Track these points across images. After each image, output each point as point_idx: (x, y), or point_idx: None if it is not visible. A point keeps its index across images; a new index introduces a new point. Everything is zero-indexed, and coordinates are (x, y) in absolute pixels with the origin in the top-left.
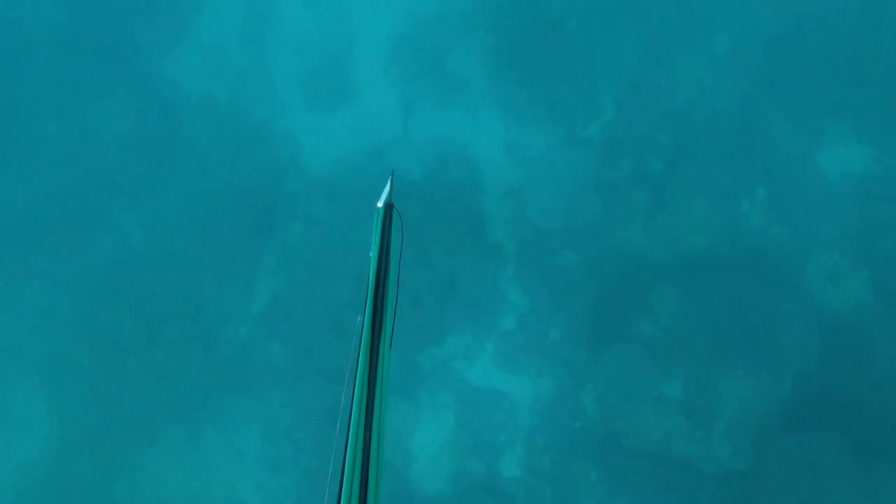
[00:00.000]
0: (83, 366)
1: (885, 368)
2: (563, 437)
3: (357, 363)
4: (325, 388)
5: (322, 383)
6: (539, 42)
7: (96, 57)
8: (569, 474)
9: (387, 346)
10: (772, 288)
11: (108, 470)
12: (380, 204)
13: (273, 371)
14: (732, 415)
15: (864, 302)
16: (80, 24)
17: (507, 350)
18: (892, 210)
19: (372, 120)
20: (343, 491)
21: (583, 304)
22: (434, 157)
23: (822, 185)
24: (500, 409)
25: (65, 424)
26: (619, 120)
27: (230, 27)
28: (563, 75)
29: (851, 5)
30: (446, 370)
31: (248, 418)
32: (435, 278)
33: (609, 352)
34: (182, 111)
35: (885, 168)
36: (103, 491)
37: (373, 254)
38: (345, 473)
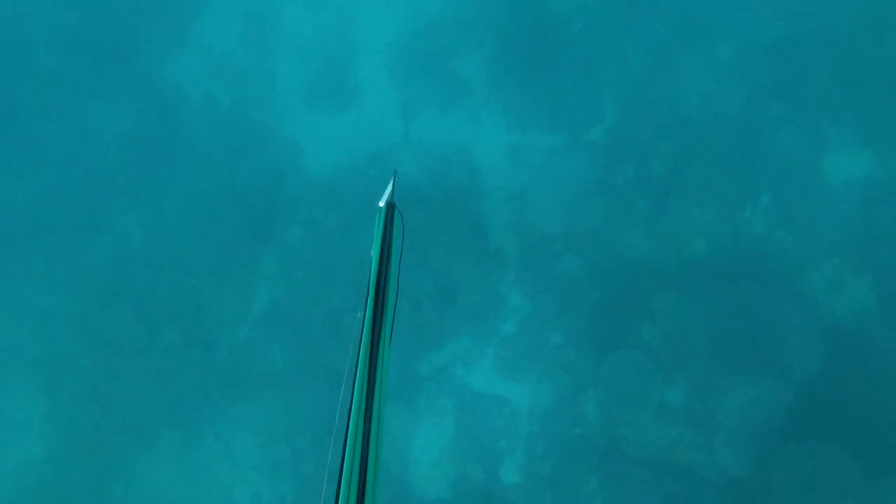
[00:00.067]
0: (81, 367)
1: (890, 376)
2: (564, 443)
3: (357, 358)
4: (324, 393)
5: (321, 388)
6: (541, 45)
7: (96, 57)
8: (569, 481)
9: (387, 341)
10: (775, 294)
11: (104, 472)
12: (381, 204)
13: (271, 375)
14: (735, 422)
15: (868, 308)
16: (81, 24)
17: (508, 355)
18: None
19: (373, 123)
20: (340, 494)
21: (584, 310)
22: (435, 160)
23: (826, 191)
24: (501, 415)
25: (62, 426)
26: (621, 124)
27: (231, 28)
28: (566, 79)
29: (855, 10)
30: (446, 375)
31: (246, 423)
32: (435, 282)
33: (610, 358)
34: (182, 112)
35: (890, 173)
36: (99, 493)
37: (374, 252)
38: (343, 473)
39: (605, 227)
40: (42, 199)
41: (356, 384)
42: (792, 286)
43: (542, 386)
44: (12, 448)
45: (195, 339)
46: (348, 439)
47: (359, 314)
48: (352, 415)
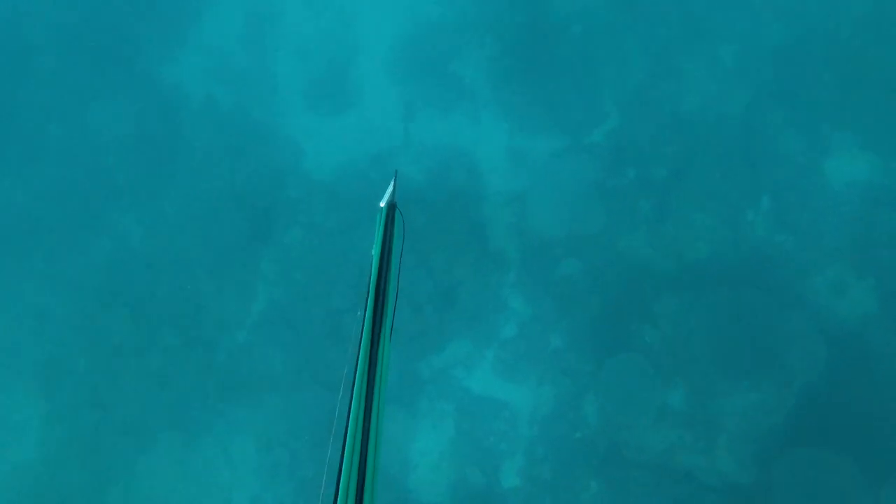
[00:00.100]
0: (79, 368)
1: (893, 381)
2: (564, 447)
3: (357, 356)
4: (324, 396)
5: (320, 390)
6: (542, 48)
7: (96, 57)
8: (569, 485)
9: (387, 339)
10: (777, 298)
11: (102, 474)
12: (382, 204)
13: (271, 377)
14: (736, 427)
15: (871, 312)
16: (81, 24)
17: (508, 358)
18: None
19: (374, 125)
20: (339, 497)
21: (585, 313)
22: (436, 162)
23: (828, 194)
24: (501, 418)
25: (60, 427)
26: (623, 127)
27: (232, 29)
28: (567, 81)
29: (857, 15)
30: (446, 378)
31: (245, 425)
32: (435, 285)
33: (611, 361)
34: (183, 113)
35: (892, 176)
36: (98, 495)
37: (374, 252)
38: (342, 471)
39: (606, 231)
40: (41, 199)
41: (356, 381)
42: (794, 290)
43: (543, 389)
44: (10, 449)
45: (194, 340)
46: (347, 437)
47: (359, 313)
48: (352, 411)
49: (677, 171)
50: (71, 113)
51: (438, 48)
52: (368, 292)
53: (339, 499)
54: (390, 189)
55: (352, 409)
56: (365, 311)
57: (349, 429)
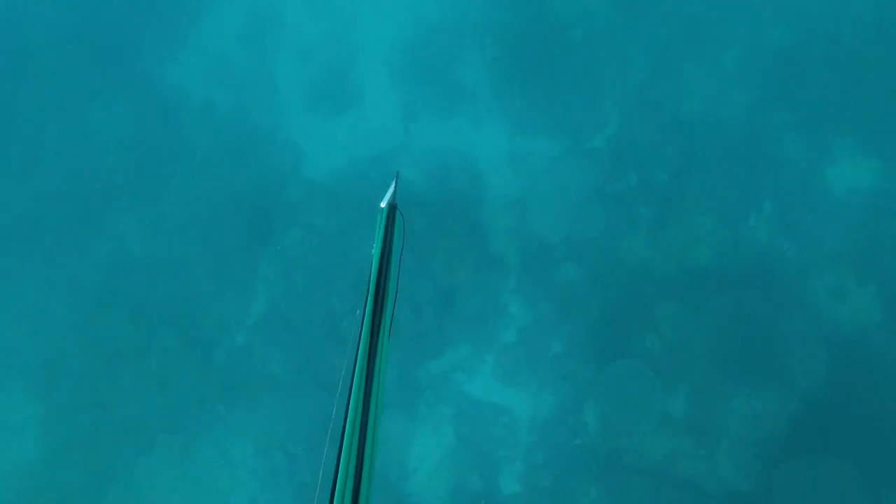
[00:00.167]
0: (78, 370)
1: (895, 387)
2: (564, 453)
3: (357, 353)
4: (323, 398)
5: (319, 393)
6: (543, 51)
7: (96, 58)
8: (569, 491)
9: (386, 337)
10: (778, 303)
11: (100, 477)
12: (383, 204)
13: (270, 380)
14: (737, 434)
15: (873, 318)
16: (81, 24)
17: (508, 363)
18: None
19: (374, 127)
20: (335, 496)
21: (585, 318)
22: (437, 166)
23: (830, 199)
24: (500, 424)
25: (58, 429)
26: (624, 131)
27: (232, 31)
28: (569, 85)
29: (859, 19)
30: (445, 383)
31: (244, 428)
32: (435, 289)
33: (612, 367)
34: (182, 114)
35: (894, 182)
36: (95, 498)
37: (375, 251)
38: (339, 469)
39: (606, 235)
40: (40, 200)
41: (354, 379)
42: (796, 295)
43: (543, 395)
44: (8, 451)
45: (193, 342)
46: (345, 433)
47: (358, 311)
48: (350, 410)
49: (678, 175)
50: (70, 114)
51: (439, 51)
52: (368, 291)
53: (335, 500)
54: (391, 190)
55: (350, 407)
56: (364, 309)
57: (347, 425)
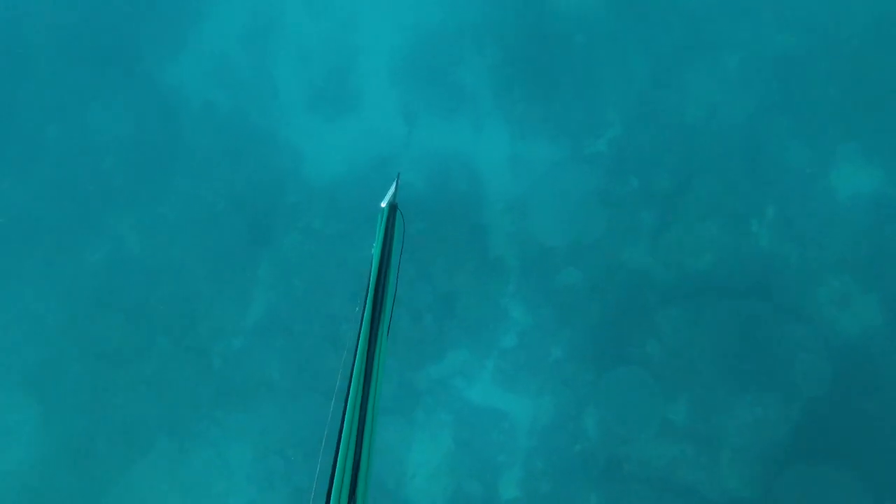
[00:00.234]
0: (74, 373)
1: None
2: (564, 459)
3: (356, 351)
4: (320, 404)
5: (317, 398)
6: (545, 55)
7: (96, 59)
8: (568, 497)
9: (384, 335)
10: (781, 310)
11: (96, 481)
12: (383, 204)
13: (267, 384)
14: (739, 442)
15: (876, 325)
16: (81, 24)
17: (508, 368)
18: None
19: (375, 131)
20: (332, 497)
21: (586, 324)
22: (437, 169)
23: (833, 206)
24: (499, 429)
25: (54, 433)
26: (626, 136)
27: (232, 32)
28: (570, 90)
29: (862, 24)
30: (445, 388)
31: (241, 432)
32: (435, 293)
33: (612, 373)
34: (182, 116)
35: None
36: (90, 502)
37: (375, 250)
38: (335, 474)
39: (607, 240)
40: (38, 201)
41: (352, 377)
42: (798, 302)
43: (542, 400)
44: (3, 453)
45: (191, 345)
46: (343, 432)
47: (357, 309)
48: (348, 408)
49: (680, 180)
50: (70, 114)
51: (440, 55)
52: (368, 289)
53: (333, 488)
54: (392, 190)
55: (348, 406)
56: (364, 307)
57: (345, 423)
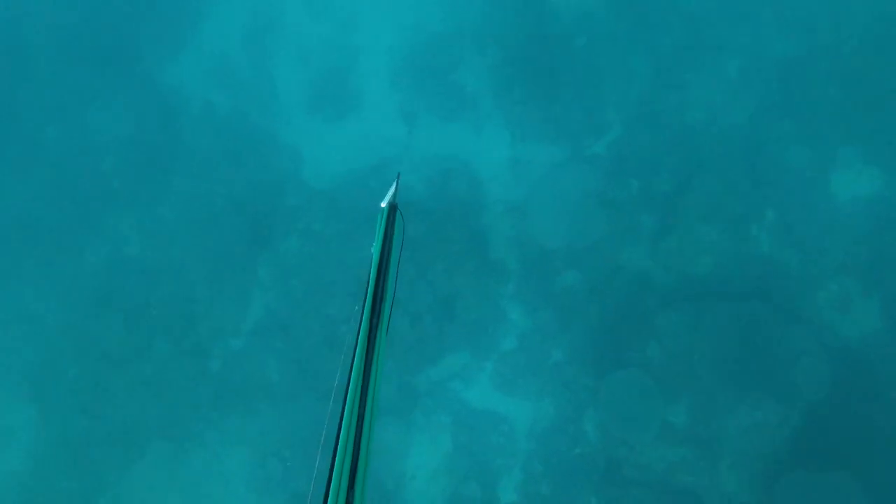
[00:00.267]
0: (70, 375)
1: None
2: (563, 462)
3: (355, 348)
4: (319, 406)
5: (315, 401)
6: (545, 58)
7: (96, 59)
8: (568, 501)
9: (383, 333)
10: (781, 314)
11: (91, 484)
12: (384, 204)
13: (265, 387)
14: (739, 446)
15: (876, 329)
16: (81, 25)
17: (507, 371)
18: None
19: (375, 133)
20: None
21: (586, 327)
22: (437, 172)
23: (833, 209)
24: (499, 432)
25: (49, 435)
26: (626, 138)
27: (233, 34)
28: (570, 92)
29: (863, 28)
30: (443, 390)
31: (238, 436)
32: (434, 295)
33: (612, 376)
34: (182, 117)
35: None
36: None
37: (374, 249)
38: (333, 471)
39: (607, 243)
40: (37, 201)
41: (351, 375)
42: (798, 306)
43: (542, 403)
44: (0, 455)
45: (188, 348)
46: (341, 431)
47: (356, 307)
48: (346, 406)
49: (680, 183)
50: (70, 115)
51: (440, 56)
52: (367, 287)
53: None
54: (392, 190)
55: (346, 405)
56: (363, 305)
57: (343, 421)
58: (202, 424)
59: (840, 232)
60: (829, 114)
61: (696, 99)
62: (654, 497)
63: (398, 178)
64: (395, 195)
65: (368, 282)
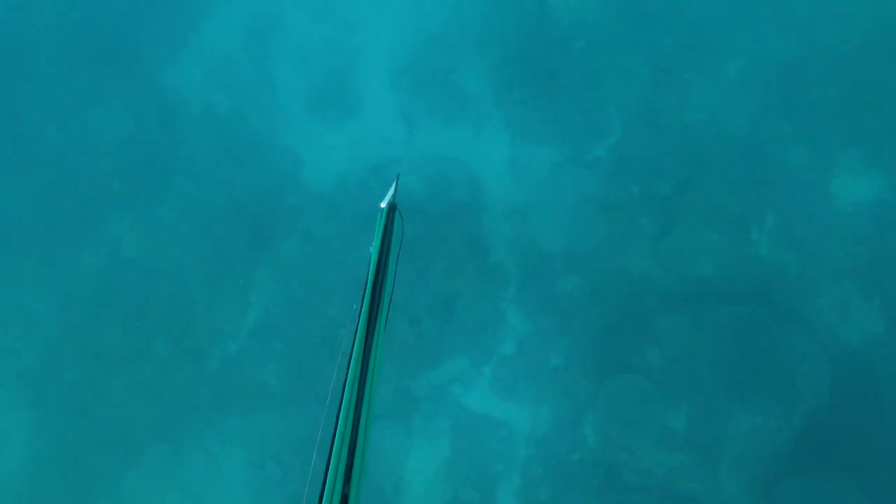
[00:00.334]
0: (67, 378)
1: None
2: (562, 468)
3: (353, 346)
4: (317, 409)
5: (314, 404)
6: (546, 60)
7: (96, 59)
8: None
9: (382, 332)
10: (781, 318)
11: (88, 487)
12: (383, 205)
13: (264, 390)
14: (739, 451)
15: (877, 334)
16: (81, 26)
17: (506, 376)
18: None
19: (374, 135)
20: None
21: (586, 331)
22: (436, 174)
23: (834, 213)
24: (498, 437)
25: (45, 438)
26: (626, 141)
27: (233, 35)
28: (570, 94)
29: (863, 30)
30: (442, 395)
31: (237, 438)
32: (433, 299)
33: (612, 381)
34: (181, 119)
35: None
36: None
37: (374, 249)
38: (328, 473)
39: (607, 246)
40: (35, 203)
41: (349, 372)
42: (799, 310)
43: (541, 408)
44: None
45: (186, 350)
46: (337, 430)
47: (354, 306)
48: (343, 406)
49: (680, 186)
50: (69, 115)
51: (440, 58)
52: (366, 287)
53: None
54: (392, 190)
55: (342, 404)
56: (361, 306)
57: (339, 421)
58: (201, 426)
59: (841, 234)
60: (829, 115)
61: (696, 100)
62: (654, 502)
63: (398, 178)
64: (394, 196)
65: (367, 280)
